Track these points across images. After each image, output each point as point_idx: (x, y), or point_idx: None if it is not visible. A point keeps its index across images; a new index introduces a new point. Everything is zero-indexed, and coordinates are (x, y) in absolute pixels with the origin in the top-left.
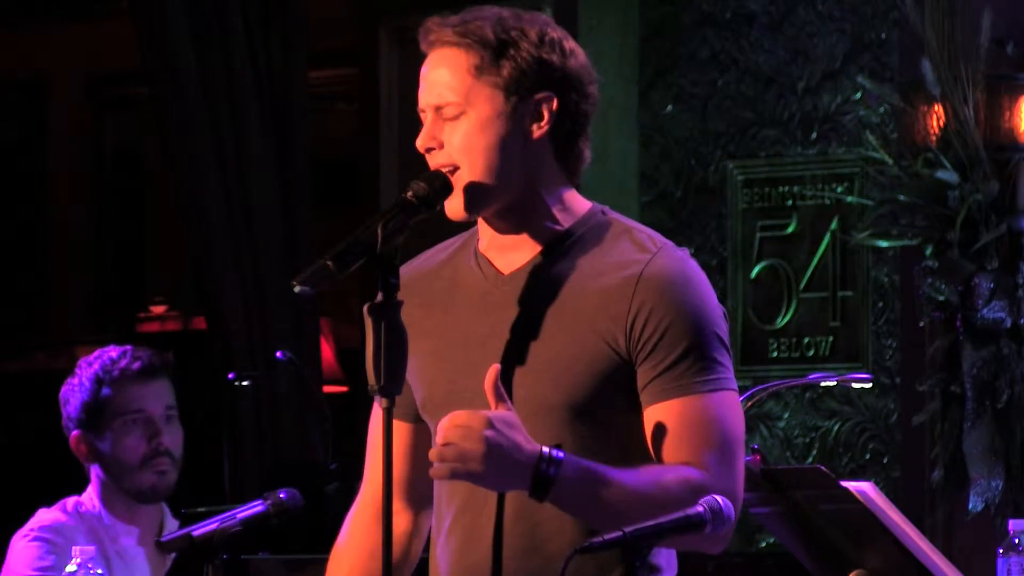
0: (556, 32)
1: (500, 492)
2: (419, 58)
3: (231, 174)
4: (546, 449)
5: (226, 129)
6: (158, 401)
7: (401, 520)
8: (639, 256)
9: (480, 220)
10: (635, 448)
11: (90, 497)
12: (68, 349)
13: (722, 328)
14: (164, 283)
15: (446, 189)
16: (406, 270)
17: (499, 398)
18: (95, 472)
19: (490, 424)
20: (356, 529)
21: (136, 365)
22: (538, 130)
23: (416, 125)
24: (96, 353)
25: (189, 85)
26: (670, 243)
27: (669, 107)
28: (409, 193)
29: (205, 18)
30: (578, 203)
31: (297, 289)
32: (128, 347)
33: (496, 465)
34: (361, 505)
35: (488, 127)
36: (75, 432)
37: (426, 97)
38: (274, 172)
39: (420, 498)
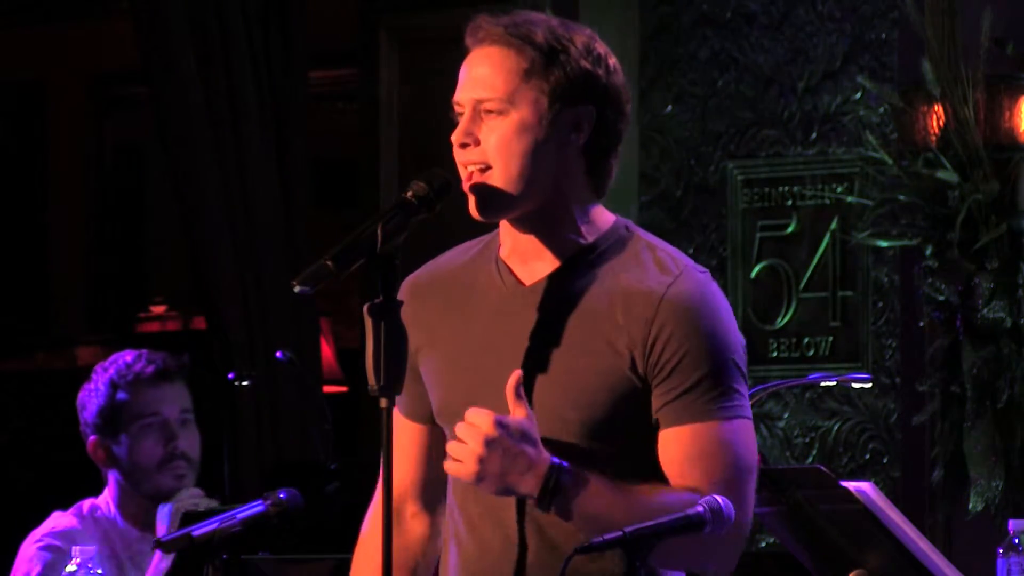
0: (601, 47)
1: (519, 500)
2: (419, 58)
3: (231, 174)
4: (556, 459)
5: (226, 129)
6: (174, 405)
7: (417, 524)
8: (661, 278)
9: (503, 225)
10: (647, 466)
11: (106, 501)
12: (68, 349)
13: (740, 355)
14: (164, 283)
15: (446, 189)
16: (426, 271)
17: (518, 403)
18: (113, 477)
19: (496, 427)
20: (371, 534)
21: (151, 369)
22: (576, 141)
23: (415, 125)
24: (112, 357)
25: (189, 85)
26: (691, 264)
27: (669, 107)
28: (409, 193)
29: (205, 18)
30: (603, 217)
31: (297, 289)
32: (144, 351)
33: (493, 469)
34: (376, 509)
35: (527, 131)
36: (92, 438)
37: (468, 91)
38: (274, 172)
39: (436, 500)
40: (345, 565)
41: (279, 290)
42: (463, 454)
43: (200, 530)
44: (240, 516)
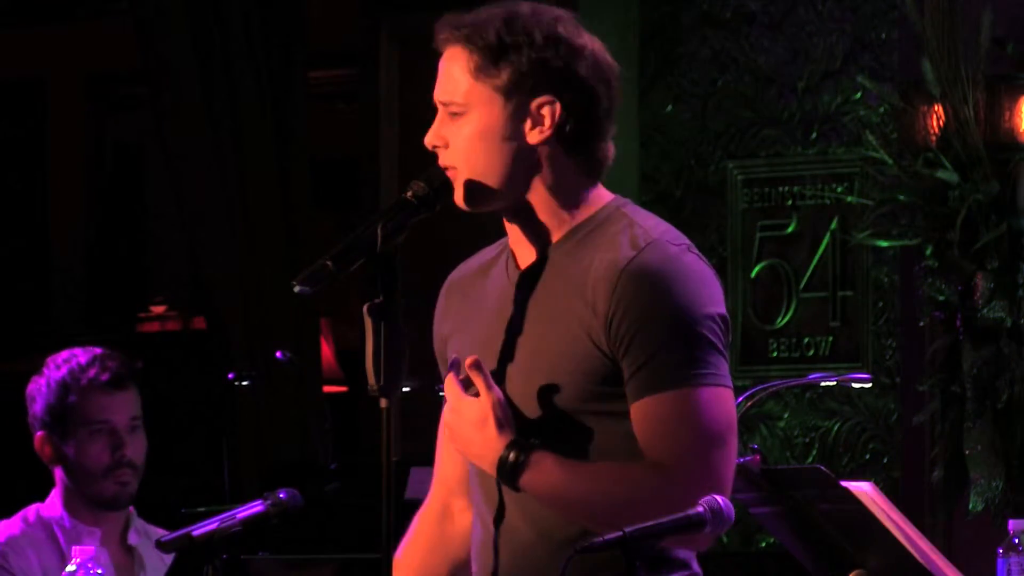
0: (565, 29)
1: (498, 487)
2: (419, 58)
3: (231, 174)
4: (514, 439)
5: (226, 129)
6: (124, 412)
7: (464, 518)
8: (627, 253)
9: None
10: (630, 444)
11: (52, 500)
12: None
13: (708, 326)
14: (164, 283)
15: (446, 188)
16: (461, 267)
17: (479, 383)
18: (58, 474)
19: (448, 414)
20: (419, 527)
21: (105, 376)
22: (539, 134)
23: (415, 125)
24: (65, 355)
25: (189, 85)
26: (666, 238)
27: (669, 107)
28: (409, 193)
29: (205, 18)
30: (593, 197)
31: (297, 289)
32: (97, 351)
33: (456, 446)
34: (427, 503)
35: (486, 132)
36: (40, 433)
37: (437, 92)
38: (274, 172)
39: None
40: (346, 565)
41: (279, 290)
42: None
43: (200, 530)
44: (240, 516)
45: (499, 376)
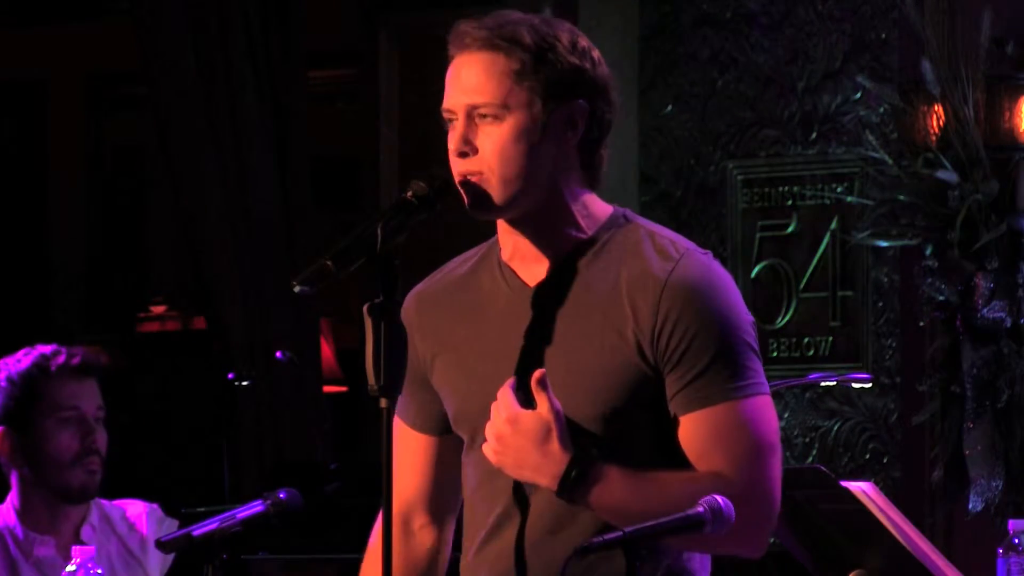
0: (584, 40)
1: (527, 503)
2: (419, 58)
3: (231, 174)
4: (577, 453)
5: (226, 129)
6: (92, 400)
7: (426, 534)
8: (663, 264)
9: (501, 228)
10: (670, 454)
11: (7, 508)
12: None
13: (749, 333)
14: (164, 283)
15: (446, 189)
16: (430, 282)
17: (541, 397)
18: (16, 476)
19: (507, 424)
20: (378, 545)
21: (75, 360)
22: (572, 138)
23: (415, 125)
24: (22, 351)
25: (189, 85)
26: (692, 247)
27: (669, 107)
28: (409, 193)
29: (205, 17)
30: (599, 208)
31: (297, 289)
32: (60, 346)
33: (508, 461)
34: (384, 521)
35: (524, 134)
36: None
37: (459, 98)
38: (274, 172)
39: (444, 511)
40: (346, 565)
41: (279, 290)
42: (488, 441)
43: (200, 530)
44: (240, 516)
45: (525, 390)
